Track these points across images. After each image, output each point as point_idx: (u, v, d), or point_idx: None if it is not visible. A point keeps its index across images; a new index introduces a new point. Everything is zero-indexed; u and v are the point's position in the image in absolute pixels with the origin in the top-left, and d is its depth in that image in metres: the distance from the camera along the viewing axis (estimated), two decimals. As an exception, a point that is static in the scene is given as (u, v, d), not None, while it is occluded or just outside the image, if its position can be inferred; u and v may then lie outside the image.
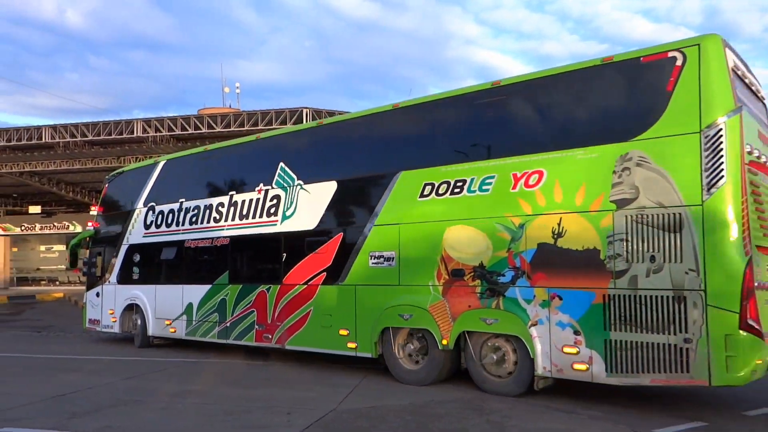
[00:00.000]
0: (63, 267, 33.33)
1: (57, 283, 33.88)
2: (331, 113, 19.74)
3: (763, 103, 7.17)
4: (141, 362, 9.80)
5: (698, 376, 5.72)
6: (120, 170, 12.91)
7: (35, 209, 32.38)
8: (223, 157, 10.75)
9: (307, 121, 19.98)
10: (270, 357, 9.98)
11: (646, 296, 5.97)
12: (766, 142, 6.58)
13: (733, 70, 6.18)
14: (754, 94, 6.82)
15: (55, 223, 32.06)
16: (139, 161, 20.90)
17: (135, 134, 22.62)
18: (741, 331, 5.56)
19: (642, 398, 6.88)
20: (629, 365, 6.05)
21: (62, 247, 34.44)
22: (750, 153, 5.98)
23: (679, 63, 6.12)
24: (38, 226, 32.30)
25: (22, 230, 32.64)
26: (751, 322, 5.60)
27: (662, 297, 5.89)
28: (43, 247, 35.51)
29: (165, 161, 11.74)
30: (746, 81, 6.54)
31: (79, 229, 30.26)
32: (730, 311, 5.60)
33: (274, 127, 20.47)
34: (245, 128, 21.28)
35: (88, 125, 23.43)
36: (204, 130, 21.83)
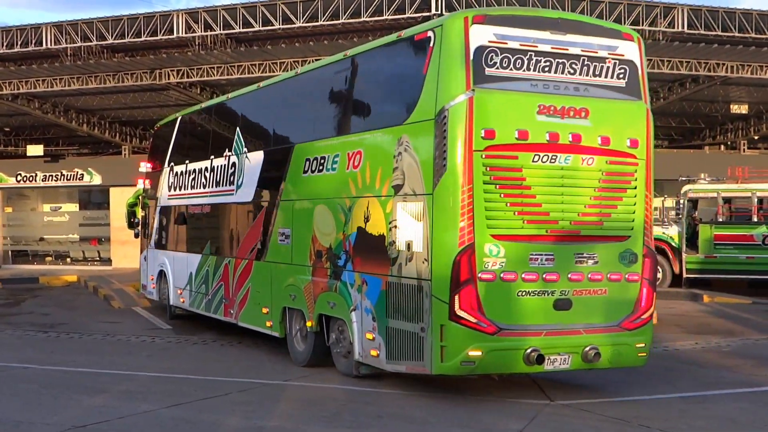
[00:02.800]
0: (76, 237, 35.75)
1: (69, 260, 35.52)
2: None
3: (597, 63, 10.40)
4: (191, 381, 11.55)
5: (427, 364, 9.91)
6: (164, 120, 20.35)
7: (36, 150, 34.30)
8: (211, 117, 17.11)
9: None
10: (382, 381, 11.26)
11: (404, 284, 10.27)
12: (564, 114, 10.05)
13: (490, 46, 9.77)
14: (559, 56, 10.18)
15: (64, 171, 33.86)
16: (184, 77, 25.80)
17: (175, 35, 24.65)
18: (450, 322, 9.63)
19: None
20: (397, 352, 10.52)
21: (74, 207, 36.37)
22: (489, 137, 9.72)
23: (431, 44, 10.10)
24: (40, 175, 34.06)
25: (18, 181, 34.27)
26: (460, 313, 9.46)
27: (411, 285, 10.08)
28: (47, 207, 36.91)
29: (181, 116, 18.56)
30: (537, 49, 10.00)
31: (98, 179, 33.45)
32: (443, 301, 9.57)
33: (388, 18, 22.98)
34: (341, 20, 23.21)
35: (107, 22, 25.37)
36: (277, 25, 23.88)
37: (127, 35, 25.65)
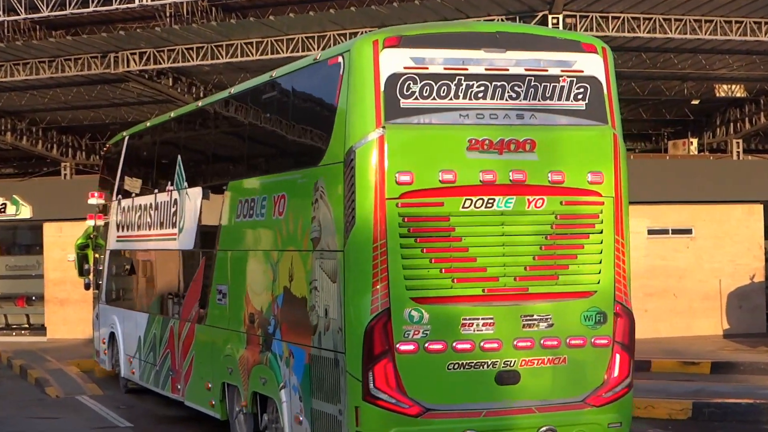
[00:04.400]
0: None
1: None
2: None
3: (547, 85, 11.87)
4: None
5: None
6: (113, 139, 22.54)
7: None
8: (156, 139, 19.20)
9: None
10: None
11: (323, 357, 11.99)
12: (503, 148, 11.59)
13: (406, 73, 11.33)
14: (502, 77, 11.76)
15: None
16: (150, 63, 26.60)
17: (137, 2, 24.51)
18: (365, 402, 11.19)
19: None
20: (319, 439, 12.30)
21: None
22: (406, 183, 11.31)
23: (341, 71, 11.87)
24: None
25: None
26: (376, 392, 11.08)
27: (329, 359, 11.81)
28: None
29: (129, 135, 20.70)
30: (467, 72, 11.60)
31: (26, 211, 33.02)
32: (356, 378, 11.19)
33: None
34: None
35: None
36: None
37: (69, 5, 25.26)
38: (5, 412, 19.47)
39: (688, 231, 29.59)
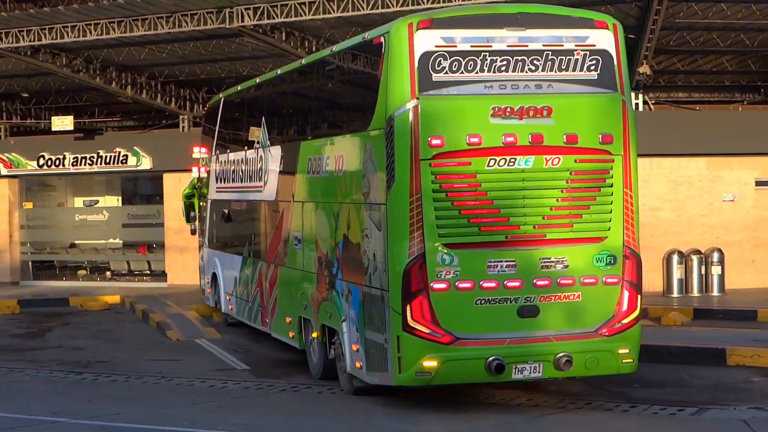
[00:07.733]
0: (119, 242, 36.70)
1: (109, 274, 36.14)
2: None
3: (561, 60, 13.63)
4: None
5: (390, 375, 13.62)
6: (213, 99, 25.01)
7: (63, 123, 34.77)
8: (245, 102, 21.52)
9: None
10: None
11: (374, 294, 14.02)
12: (523, 114, 13.47)
13: (437, 51, 13.15)
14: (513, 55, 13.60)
15: (102, 151, 33.92)
16: (263, 18, 27.18)
17: None
18: (404, 332, 13.25)
19: None
20: (372, 363, 14.32)
21: (116, 201, 37.71)
22: (437, 146, 13.25)
23: (383, 50, 13.81)
24: (70, 157, 34.06)
25: (40, 166, 34.42)
26: (413, 324, 13.00)
27: (377, 296, 13.83)
28: (80, 201, 37.99)
29: (224, 98, 23.11)
30: (491, 49, 13.46)
31: (147, 162, 33.56)
32: (397, 312, 13.20)
33: None
34: None
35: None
36: None
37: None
38: (129, 355, 20.45)
39: (796, 182, 29.21)
